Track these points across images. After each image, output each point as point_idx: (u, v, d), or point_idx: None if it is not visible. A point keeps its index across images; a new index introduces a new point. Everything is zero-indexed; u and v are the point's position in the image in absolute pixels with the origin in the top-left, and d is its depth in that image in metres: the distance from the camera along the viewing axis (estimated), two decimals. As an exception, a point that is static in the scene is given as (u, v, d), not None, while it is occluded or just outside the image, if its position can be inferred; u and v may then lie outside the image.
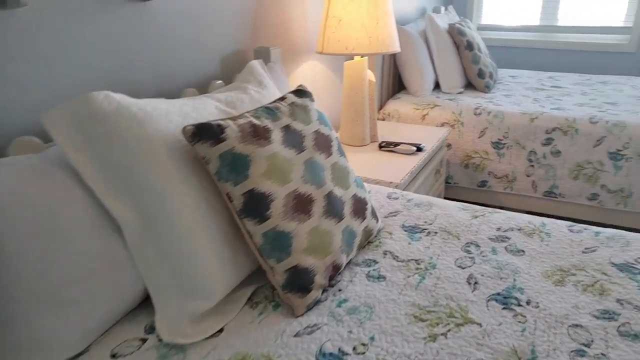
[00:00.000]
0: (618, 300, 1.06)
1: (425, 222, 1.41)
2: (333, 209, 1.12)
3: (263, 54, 1.68)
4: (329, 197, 1.12)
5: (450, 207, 1.49)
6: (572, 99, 2.67)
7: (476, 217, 1.44)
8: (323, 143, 1.18)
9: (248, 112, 1.11)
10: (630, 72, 3.59)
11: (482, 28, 4.06)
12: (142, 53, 1.33)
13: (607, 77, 3.19)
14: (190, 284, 0.98)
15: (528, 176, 2.49)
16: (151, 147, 0.97)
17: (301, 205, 1.06)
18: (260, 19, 1.77)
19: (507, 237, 1.32)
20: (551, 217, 2.72)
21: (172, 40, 1.41)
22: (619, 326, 0.99)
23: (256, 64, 1.42)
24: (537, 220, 1.42)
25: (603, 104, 2.56)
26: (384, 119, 2.74)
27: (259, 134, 1.05)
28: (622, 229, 2.62)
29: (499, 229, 1.37)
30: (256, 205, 1.00)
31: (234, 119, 1.06)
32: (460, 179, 2.64)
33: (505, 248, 1.27)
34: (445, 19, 3.16)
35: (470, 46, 2.88)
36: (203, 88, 1.52)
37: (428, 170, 2.18)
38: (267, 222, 1.00)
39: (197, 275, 0.98)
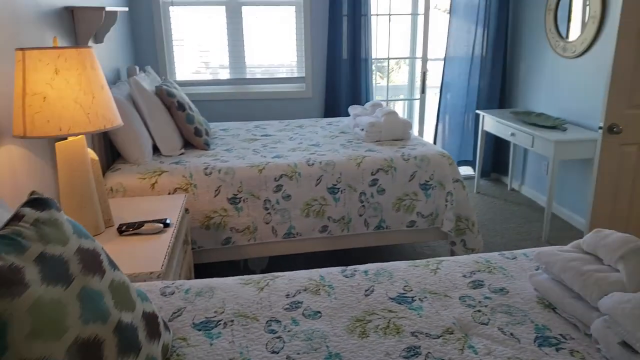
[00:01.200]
0: (412, 334, 1.19)
1: (216, 312, 1.28)
2: (128, 342, 0.89)
3: (-54, 153, 1.24)
4: (119, 329, 0.89)
5: (233, 286, 1.41)
6: (285, 145, 2.95)
7: (261, 288, 1.40)
8: (91, 262, 0.94)
9: (-26, 251, 0.78)
10: (313, 114, 4.23)
11: (179, 85, 4.09)
12: None
13: (301, 121, 3.66)
14: None
15: (267, 223, 2.60)
16: None
17: (90, 355, 0.80)
18: None
19: (299, 302, 1.33)
20: (292, 256, 2.93)
21: None
22: (425, 359, 1.10)
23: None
24: (314, 274, 1.48)
25: (310, 147, 2.92)
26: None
27: (7, 280, 0.75)
28: (348, 250, 3.04)
29: (287, 295, 1.36)
30: (29, 383, 0.70)
31: (-43, 268, 0.72)
32: (204, 242, 2.56)
33: (303, 314, 1.27)
34: (147, 80, 3.05)
35: (181, 106, 2.85)
36: None
37: (180, 244, 2.03)
38: (51, 400, 0.72)
39: None
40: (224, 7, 3.97)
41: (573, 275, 1.20)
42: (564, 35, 3.60)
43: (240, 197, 2.54)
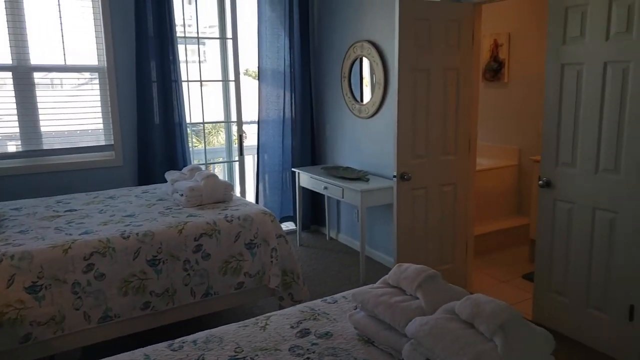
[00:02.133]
0: (245, 397, 1.16)
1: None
2: None
3: None
4: None
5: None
6: (94, 219, 2.70)
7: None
8: None
9: None
10: (126, 183, 3.98)
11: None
12: None
13: (111, 192, 3.40)
14: None
15: (77, 309, 2.30)
16: None
17: None
18: None
19: (119, 390, 1.19)
20: (110, 341, 2.61)
21: None
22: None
23: None
24: (137, 354, 1.35)
25: (124, 218, 2.72)
26: None
27: None
28: (174, 324, 2.84)
29: (104, 384, 1.21)
30: None
31: None
32: (-4, 343, 2.15)
33: (124, 402, 1.15)
34: None
35: (-42, 186, 2.42)
36: None
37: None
38: None
39: None
40: (10, 73, 3.57)
41: (384, 309, 1.33)
42: (358, 98, 4.11)
43: (42, 285, 2.22)
